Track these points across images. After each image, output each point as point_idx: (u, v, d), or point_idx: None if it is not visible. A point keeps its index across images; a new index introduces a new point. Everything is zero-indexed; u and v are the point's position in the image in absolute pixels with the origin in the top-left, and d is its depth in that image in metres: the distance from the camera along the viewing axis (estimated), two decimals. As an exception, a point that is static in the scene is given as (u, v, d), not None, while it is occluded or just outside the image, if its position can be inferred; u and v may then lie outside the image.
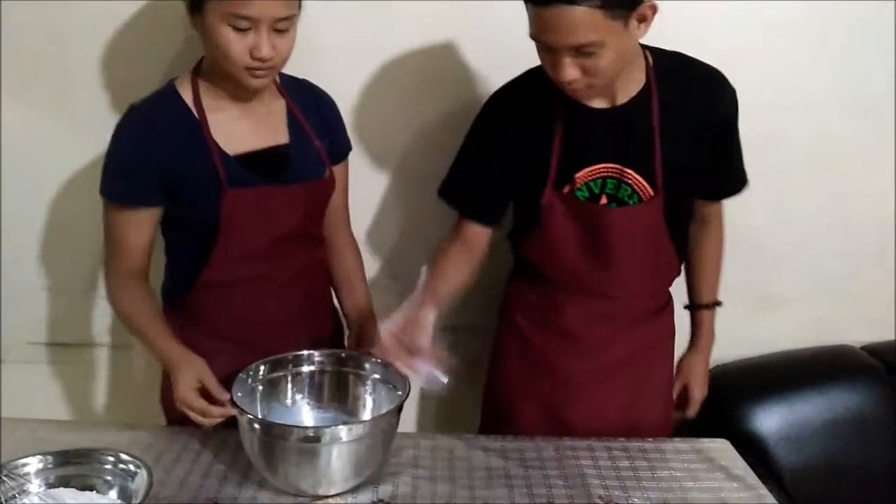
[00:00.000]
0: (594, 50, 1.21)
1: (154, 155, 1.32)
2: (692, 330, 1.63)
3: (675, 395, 1.62)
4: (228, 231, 1.36)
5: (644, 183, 1.40)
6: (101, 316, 1.90)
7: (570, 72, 1.24)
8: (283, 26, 1.26)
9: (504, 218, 1.53)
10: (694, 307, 1.62)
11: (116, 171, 1.35)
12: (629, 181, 1.40)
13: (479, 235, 1.50)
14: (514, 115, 1.43)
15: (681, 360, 1.64)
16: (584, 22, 1.17)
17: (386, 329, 1.30)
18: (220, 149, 1.34)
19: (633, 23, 1.23)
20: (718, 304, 1.62)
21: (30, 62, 1.69)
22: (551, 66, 1.27)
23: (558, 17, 1.18)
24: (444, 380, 1.25)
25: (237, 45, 1.25)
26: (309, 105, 1.48)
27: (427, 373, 1.26)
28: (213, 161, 1.33)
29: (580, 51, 1.21)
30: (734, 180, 1.52)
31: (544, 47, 1.26)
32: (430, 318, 1.31)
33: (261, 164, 1.38)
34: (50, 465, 1.18)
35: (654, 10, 1.23)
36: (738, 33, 1.75)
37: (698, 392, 1.62)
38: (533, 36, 1.25)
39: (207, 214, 1.34)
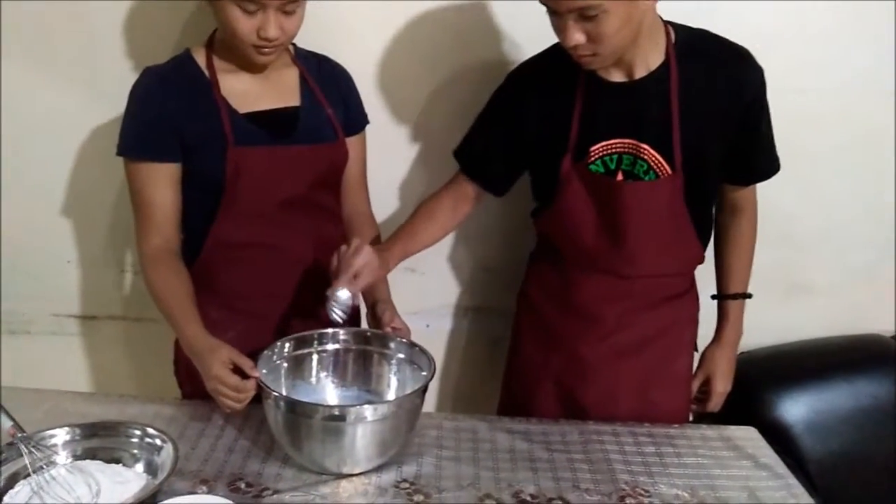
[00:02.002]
0: (596, 13, 1.21)
1: (167, 109, 1.35)
2: (718, 321, 1.59)
3: (695, 388, 1.59)
4: (234, 188, 1.37)
5: (662, 160, 1.38)
6: (125, 288, 1.90)
7: (575, 36, 1.25)
8: (291, 9, 1.30)
9: (506, 191, 1.54)
10: (720, 297, 1.58)
11: (132, 125, 1.38)
12: (645, 157, 1.38)
13: (471, 198, 1.52)
14: (535, 87, 1.43)
15: (704, 352, 1.60)
16: None
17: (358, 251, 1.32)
18: (229, 106, 1.38)
19: None
20: (747, 296, 1.57)
21: (53, 33, 1.68)
22: (558, 31, 1.28)
23: None
24: (341, 318, 1.32)
25: (245, 25, 1.29)
26: (324, 76, 1.50)
27: (342, 300, 1.30)
28: (221, 118, 1.36)
29: (583, 14, 1.22)
30: (765, 164, 1.48)
31: (550, 11, 1.26)
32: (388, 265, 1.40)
33: (269, 123, 1.40)
34: (77, 437, 1.19)
35: None
36: (774, 14, 1.71)
37: (721, 385, 1.58)
38: (540, 0, 1.26)
39: (215, 170, 1.36)
